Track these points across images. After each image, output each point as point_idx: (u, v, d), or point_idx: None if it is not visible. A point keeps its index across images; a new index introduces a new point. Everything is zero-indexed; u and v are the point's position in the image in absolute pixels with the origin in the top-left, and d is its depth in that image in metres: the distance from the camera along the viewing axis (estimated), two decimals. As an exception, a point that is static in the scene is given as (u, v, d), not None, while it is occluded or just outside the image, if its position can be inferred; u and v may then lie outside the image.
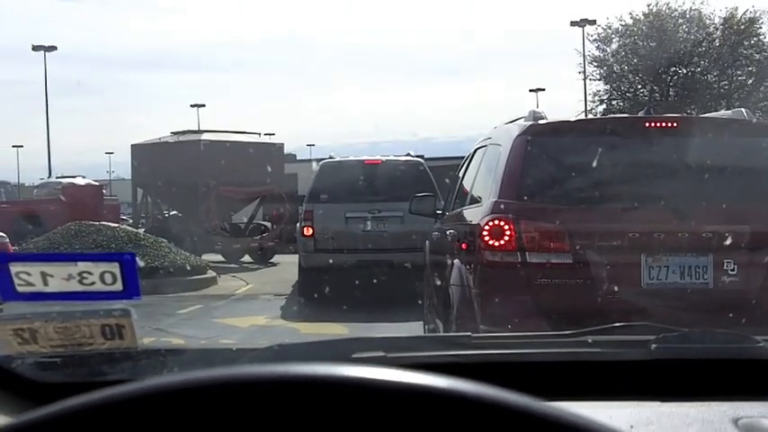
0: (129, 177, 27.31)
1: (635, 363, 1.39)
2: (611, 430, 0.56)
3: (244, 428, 0.60)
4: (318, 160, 16.17)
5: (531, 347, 1.55)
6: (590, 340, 1.57)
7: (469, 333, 1.63)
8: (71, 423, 0.61)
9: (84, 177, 28.67)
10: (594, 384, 1.25)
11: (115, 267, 1.38)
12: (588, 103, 37.49)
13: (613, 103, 37.23)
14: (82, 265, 1.38)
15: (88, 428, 0.60)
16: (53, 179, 30.47)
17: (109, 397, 0.62)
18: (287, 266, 17.59)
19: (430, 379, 0.60)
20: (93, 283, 1.38)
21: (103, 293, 1.39)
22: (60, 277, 1.37)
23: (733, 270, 5.45)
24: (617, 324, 1.76)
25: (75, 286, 1.37)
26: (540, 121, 6.10)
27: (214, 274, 16.78)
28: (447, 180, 9.51)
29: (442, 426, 0.59)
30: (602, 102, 37.67)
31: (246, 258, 22.44)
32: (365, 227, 13.72)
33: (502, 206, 5.68)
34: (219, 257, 21.44)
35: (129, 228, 19.31)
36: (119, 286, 1.39)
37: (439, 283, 7.06)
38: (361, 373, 0.60)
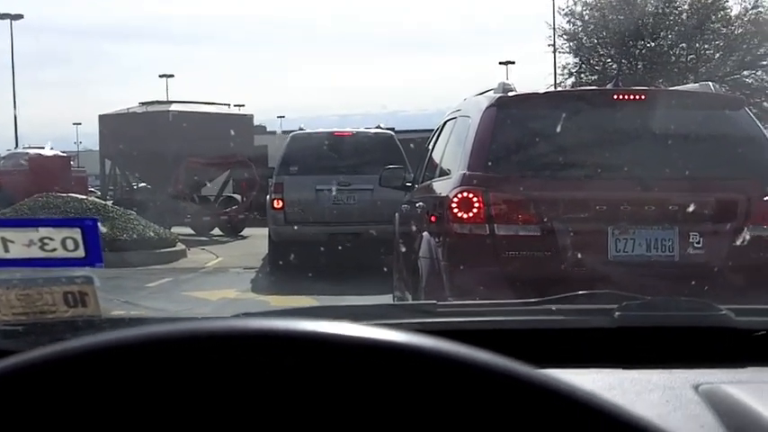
0: (98, 149, 27.03)
1: (598, 330, 1.40)
2: (565, 384, 0.56)
3: (192, 380, 0.59)
4: (288, 132, 16.11)
5: (495, 315, 1.55)
6: (554, 308, 1.59)
7: (435, 301, 1.64)
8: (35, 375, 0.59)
9: (51, 148, 28.37)
10: (558, 352, 1.25)
11: (77, 233, 1.36)
12: (558, 76, 37.62)
13: (582, 76, 37.34)
14: (43, 231, 1.36)
15: (51, 380, 0.59)
16: (20, 150, 30.13)
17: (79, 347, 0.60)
18: (257, 239, 17.54)
19: (388, 333, 0.59)
20: (54, 250, 1.36)
21: (65, 260, 1.37)
22: (21, 243, 1.35)
23: (698, 242, 5.50)
24: (581, 292, 1.77)
25: (36, 252, 1.36)
26: (510, 93, 6.11)
27: (183, 246, 16.70)
28: (411, 146, 9.51)
29: (402, 379, 0.58)
30: (571, 75, 37.80)
31: (216, 231, 22.35)
32: (335, 199, 13.70)
33: (470, 178, 5.68)
34: (189, 230, 21.34)
35: (97, 199, 19.16)
36: (81, 253, 1.38)
37: (408, 255, 7.07)
38: (313, 326, 0.59)
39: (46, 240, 1.36)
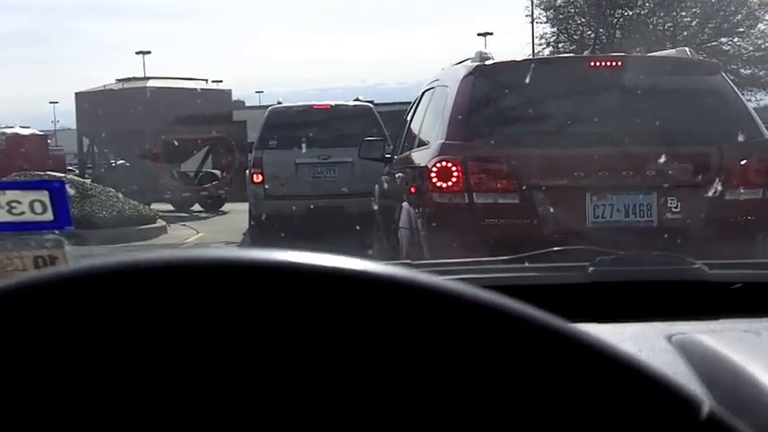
0: (75, 127, 26.87)
1: (572, 286, 1.40)
2: (525, 310, 0.56)
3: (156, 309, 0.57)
4: (267, 107, 16.05)
5: (468, 273, 1.55)
6: (527, 264, 1.59)
7: (409, 260, 1.63)
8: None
9: (27, 127, 28.17)
10: (532, 307, 1.25)
11: (45, 195, 1.35)
12: (535, 46, 37.59)
13: (560, 45, 37.35)
14: (10, 194, 1.35)
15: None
16: (-4, 129, 29.91)
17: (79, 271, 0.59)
18: (237, 214, 17.51)
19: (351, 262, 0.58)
20: (22, 213, 1.35)
21: (34, 223, 1.36)
22: (-12, 207, 1.34)
23: (677, 207, 5.53)
24: (555, 249, 1.77)
25: (4, 216, 1.34)
26: (487, 62, 6.10)
27: (164, 223, 16.65)
28: (386, 116, 9.50)
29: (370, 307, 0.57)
30: (548, 44, 37.80)
31: (196, 207, 22.30)
32: (315, 173, 13.69)
33: (449, 147, 5.69)
34: (169, 206, 21.28)
35: (76, 178, 19.06)
36: (49, 216, 1.37)
37: (388, 226, 7.08)
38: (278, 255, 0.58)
39: (13, 204, 1.35)
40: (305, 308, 0.56)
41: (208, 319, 0.57)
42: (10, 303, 0.56)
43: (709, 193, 5.52)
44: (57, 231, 1.40)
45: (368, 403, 0.61)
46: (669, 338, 1.12)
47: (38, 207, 1.36)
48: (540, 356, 0.56)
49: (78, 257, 1.41)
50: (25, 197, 1.35)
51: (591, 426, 0.56)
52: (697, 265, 1.45)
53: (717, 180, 5.53)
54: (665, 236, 5.40)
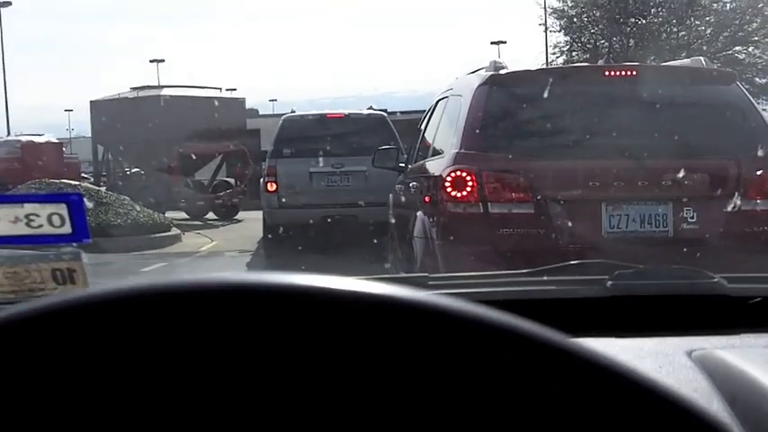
0: (90, 135, 26.96)
1: (591, 300, 1.40)
2: (531, 327, 0.55)
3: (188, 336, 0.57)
4: (280, 115, 16.08)
5: (486, 286, 1.55)
6: (545, 278, 1.58)
7: (426, 273, 1.63)
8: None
9: (42, 135, 28.27)
10: (549, 322, 1.24)
11: (63, 209, 1.35)
12: (549, 55, 37.55)
13: (574, 54, 37.29)
14: (29, 207, 1.35)
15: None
16: (12, 137, 30.02)
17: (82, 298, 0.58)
18: (251, 223, 17.52)
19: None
20: (40, 226, 1.35)
21: (52, 236, 1.36)
22: (7, 220, 1.33)
23: (692, 217, 5.50)
24: (572, 262, 1.76)
25: (22, 229, 1.34)
26: (501, 71, 6.10)
27: (178, 231, 16.69)
28: (400, 125, 9.50)
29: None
30: (562, 53, 37.75)
31: (211, 215, 22.35)
32: (329, 182, 13.69)
33: (463, 157, 5.68)
34: (183, 214, 21.33)
35: (91, 185, 19.13)
36: (67, 229, 1.37)
37: (402, 235, 7.07)
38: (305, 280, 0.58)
39: (32, 217, 1.35)
40: (322, 334, 0.56)
41: (223, 346, 0.56)
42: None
43: (726, 204, 5.49)
44: (75, 244, 1.40)
45: (384, 419, 0.61)
46: (689, 354, 1.11)
47: (56, 220, 1.36)
48: (562, 383, 0.55)
49: (93, 266, 1.41)
50: (43, 210, 1.35)
51: None
52: (716, 279, 1.44)
53: (733, 191, 5.51)
54: (682, 247, 5.37)
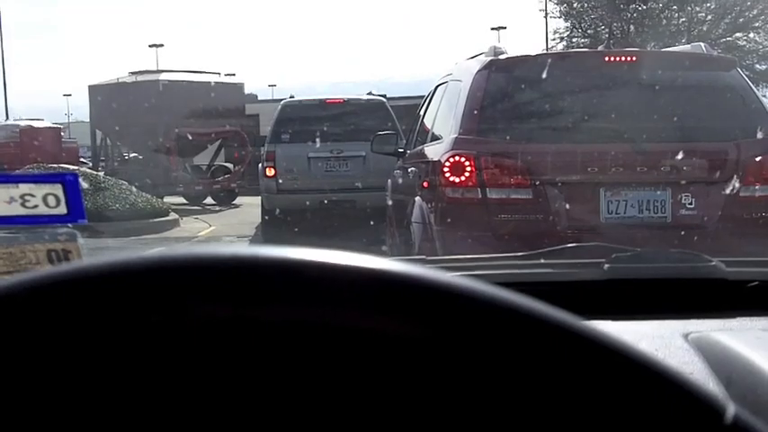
0: (88, 120, 26.93)
1: (588, 283, 1.39)
2: (529, 304, 0.55)
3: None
4: (279, 100, 16.06)
5: (483, 269, 1.54)
6: (543, 261, 1.58)
7: (424, 256, 1.62)
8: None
9: (41, 120, 28.24)
10: (547, 304, 1.24)
11: (58, 189, 1.34)
12: (549, 41, 37.52)
13: (574, 40, 37.26)
14: (24, 188, 1.34)
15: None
16: (11, 122, 29.99)
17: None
18: (250, 208, 17.52)
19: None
20: (36, 206, 1.34)
21: (47, 217, 1.36)
22: (2, 200, 1.33)
23: (691, 203, 5.50)
24: (570, 245, 1.76)
25: (17, 210, 1.34)
26: (501, 56, 6.08)
27: (176, 216, 16.68)
28: (399, 110, 9.49)
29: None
30: (562, 39, 37.72)
31: (209, 200, 22.34)
32: (328, 167, 13.68)
33: (462, 142, 5.67)
34: (181, 199, 21.32)
35: (89, 170, 19.11)
36: (63, 209, 1.36)
37: (401, 220, 7.07)
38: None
39: (27, 197, 1.34)
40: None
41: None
42: None
43: (724, 190, 5.49)
44: (70, 224, 1.40)
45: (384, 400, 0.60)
46: (686, 337, 1.11)
47: (51, 200, 1.35)
48: (560, 359, 0.55)
49: (91, 250, 1.40)
50: (39, 190, 1.35)
51: (610, 429, 0.55)
52: (713, 263, 1.44)
53: (732, 176, 5.51)
54: (680, 232, 5.37)
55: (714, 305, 1.28)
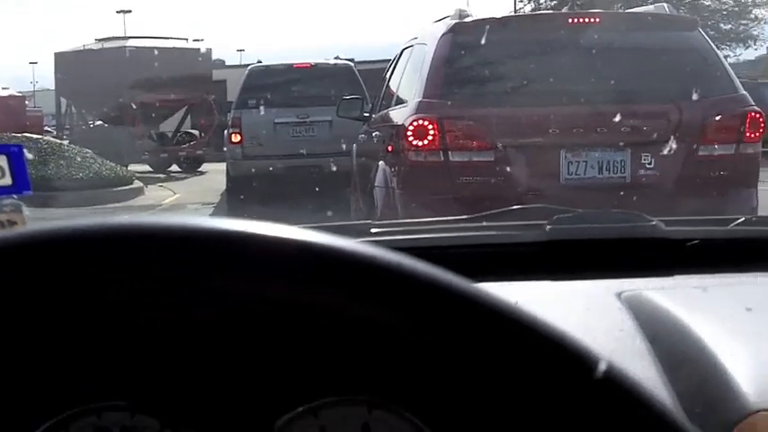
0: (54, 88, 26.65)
1: (529, 244, 1.41)
2: (434, 272, 0.56)
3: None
4: (248, 66, 15.94)
5: (427, 232, 1.56)
6: (485, 223, 1.60)
7: (370, 221, 1.64)
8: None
9: (6, 88, 27.89)
10: (488, 266, 1.26)
11: (3, 160, 1.35)
12: (516, 2, 37.42)
13: (541, 2, 37.20)
14: (-32, 160, 1.35)
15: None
16: (-28, 91, 29.59)
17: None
18: (215, 175, 17.43)
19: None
20: (-20, 178, 1.35)
21: (-8, 187, 1.36)
22: (-54, 172, 1.33)
23: (650, 163, 5.55)
24: (513, 207, 1.78)
25: (-38, 182, 1.34)
26: (466, 20, 6.08)
27: (141, 184, 16.57)
28: (367, 74, 9.43)
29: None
30: (530, 1, 37.66)
31: (174, 168, 22.20)
32: (293, 132, 13.62)
33: (426, 105, 5.68)
34: (147, 167, 21.18)
35: (53, 139, 18.93)
36: (7, 180, 1.36)
37: (365, 185, 7.07)
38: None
39: (-28, 169, 1.34)
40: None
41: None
42: None
43: (683, 150, 5.54)
44: (15, 196, 1.40)
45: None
46: (619, 296, 1.13)
47: (-4, 171, 1.36)
48: (432, 313, 0.56)
49: (37, 220, 1.40)
50: (-17, 163, 1.35)
51: (479, 383, 0.57)
52: (653, 222, 1.46)
53: (690, 136, 5.56)
54: (639, 192, 5.42)
55: (653, 264, 1.30)
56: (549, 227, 1.42)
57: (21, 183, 1.37)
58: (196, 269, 0.56)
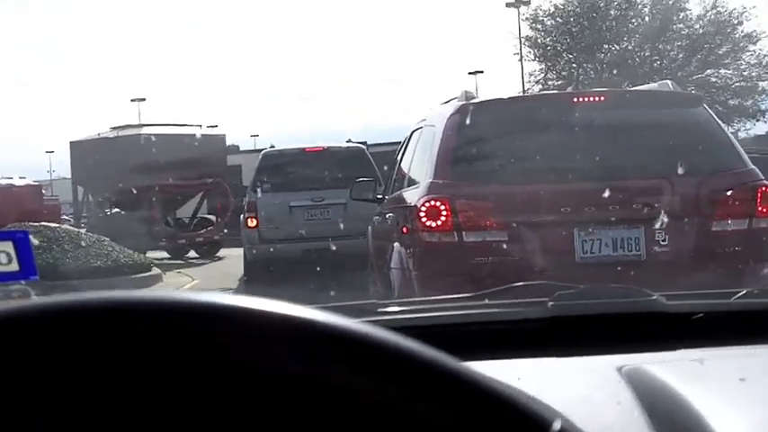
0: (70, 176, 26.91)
1: (532, 321, 1.43)
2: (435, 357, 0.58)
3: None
4: (261, 150, 16.10)
5: (431, 311, 1.58)
6: (487, 301, 1.61)
7: (375, 300, 1.66)
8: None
9: (23, 178, 28.16)
10: (491, 343, 1.28)
11: (9, 246, 1.38)
12: (525, 83, 37.82)
13: (549, 82, 37.58)
14: (-26, 246, 1.38)
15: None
16: (-10, 180, 29.85)
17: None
18: (233, 260, 17.48)
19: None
20: (-13, 265, 1.38)
21: (0, 274, 1.39)
22: (-46, 259, 1.36)
23: (664, 240, 5.55)
24: (517, 284, 1.80)
25: (-31, 268, 1.37)
26: (472, 101, 6.16)
27: (159, 271, 16.60)
28: (386, 167, 9.53)
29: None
30: (537, 82, 38.04)
31: (192, 254, 22.26)
32: (309, 215, 13.69)
33: (437, 186, 5.72)
34: (164, 254, 21.25)
35: (70, 227, 19.03)
36: (15, 266, 1.39)
37: (381, 266, 7.09)
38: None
39: (-22, 255, 1.37)
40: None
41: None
42: None
43: (697, 225, 5.54)
44: (23, 281, 1.42)
45: None
46: (619, 370, 1.15)
47: (3, 258, 1.38)
48: (401, 385, 0.58)
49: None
50: (-11, 249, 1.38)
51: None
52: (654, 297, 1.47)
53: (703, 211, 5.56)
54: (654, 269, 5.41)
55: (655, 338, 1.32)
56: (551, 303, 1.43)
57: (27, 268, 1.39)
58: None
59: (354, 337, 0.58)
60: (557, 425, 0.56)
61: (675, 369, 1.12)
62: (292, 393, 0.61)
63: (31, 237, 1.41)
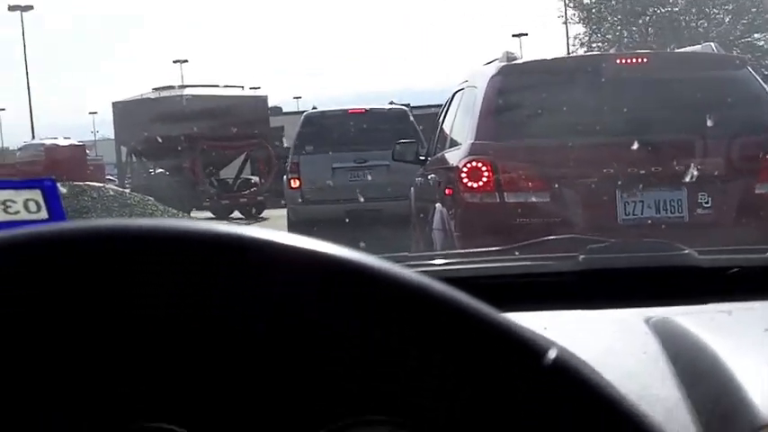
0: (113, 137, 27.14)
1: (562, 274, 1.42)
2: (462, 298, 0.58)
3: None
4: (304, 112, 16.11)
5: (462, 264, 1.57)
6: (518, 254, 1.61)
7: (407, 252, 1.66)
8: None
9: (67, 138, 28.46)
10: (522, 295, 1.28)
11: (38, 195, 1.39)
12: (569, 46, 37.48)
13: (593, 45, 37.21)
14: (4, 194, 1.39)
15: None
16: (36, 141, 30.24)
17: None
18: (277, 220, 17.57)
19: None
20: (17, 212, 1.39)
21: (29, 222, 1.40)
22: (-16, 207, 1.38)
23: (707, 202, 5.49)
24: (548, 238, 1.79)
25: (0, 215, 1.39)
26: (514, 62, 6.12)
27: (203, 230, 16.72)
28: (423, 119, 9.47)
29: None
30: (582, 45, 37.69)
31: (236, 214, 22.42)
32: (351, 176, 13.69)
33: (478, 147, 5.70)
34: (208, 213, 21.42)
35: (115, 187, 19.25)
36: (44, 214, 1.41)
37: (423, 228, 7.10)
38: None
39: (8, 203, 1.39)
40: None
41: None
42: None
43: (739, 187, 5.48)
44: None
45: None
46: (647, 321, 1.14)
47: (32, 206, 1.40)
48: (399, 313, 0.58)
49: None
50: (19, 196, 1.39)
51: (431, 375, 0.59)
52: (686, 251, 1.46)
53: (746, 173, 5.50)
54: (697, 231, 5.36)
55: (685, 292, 1.31)
56: (582, 257, 1.43)
57: (56, 216, 1.41)
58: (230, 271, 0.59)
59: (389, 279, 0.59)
60: (551, 353, 0.56)
61: (702, 320, 1.11)
62: (311, 340, 0.62)
63: (59, 185, 1.42)
